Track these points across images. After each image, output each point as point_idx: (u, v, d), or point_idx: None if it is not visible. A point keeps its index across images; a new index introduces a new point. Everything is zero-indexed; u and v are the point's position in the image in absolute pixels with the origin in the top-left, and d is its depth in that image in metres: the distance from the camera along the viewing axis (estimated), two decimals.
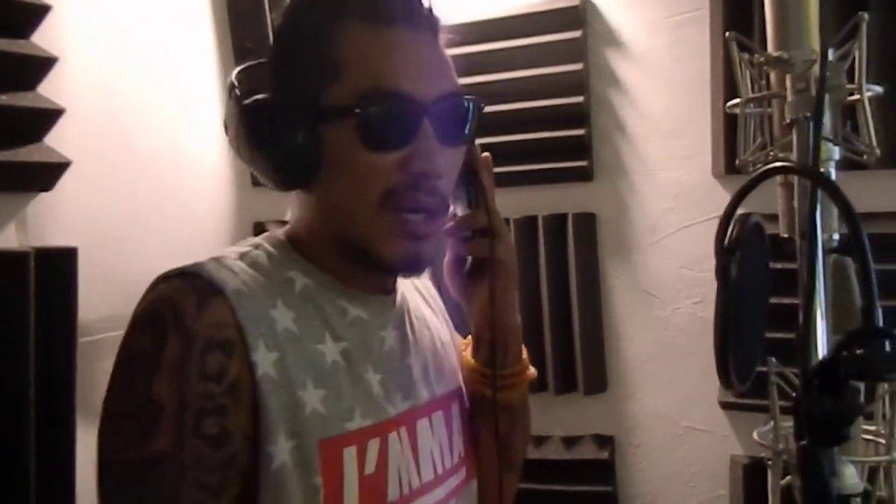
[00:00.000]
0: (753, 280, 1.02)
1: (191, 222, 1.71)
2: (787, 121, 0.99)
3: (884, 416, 1.15)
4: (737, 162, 1.13)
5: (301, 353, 0.78)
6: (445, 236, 0.90)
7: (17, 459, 1.23)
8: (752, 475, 1.86)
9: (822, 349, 1.00)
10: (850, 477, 0.94)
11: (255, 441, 0.75)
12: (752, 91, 1.11)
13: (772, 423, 1.11)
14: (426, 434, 0.88)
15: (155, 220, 1.59)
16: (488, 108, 2.24)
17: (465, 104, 0.83)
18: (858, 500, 1.08)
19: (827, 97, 0.98)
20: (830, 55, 1.03)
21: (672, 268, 2.03)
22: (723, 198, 1.92)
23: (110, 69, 1.51)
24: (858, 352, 0.68)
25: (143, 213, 1.57)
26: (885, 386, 1.08)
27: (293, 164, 0.79)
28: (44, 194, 1.34)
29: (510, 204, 2.14)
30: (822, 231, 1.04)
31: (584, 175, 2.09)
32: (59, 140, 1.33)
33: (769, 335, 1.09)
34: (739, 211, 0.87)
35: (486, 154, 0.91)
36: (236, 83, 0.82)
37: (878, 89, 1.05)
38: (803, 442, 0.77)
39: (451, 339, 1.00)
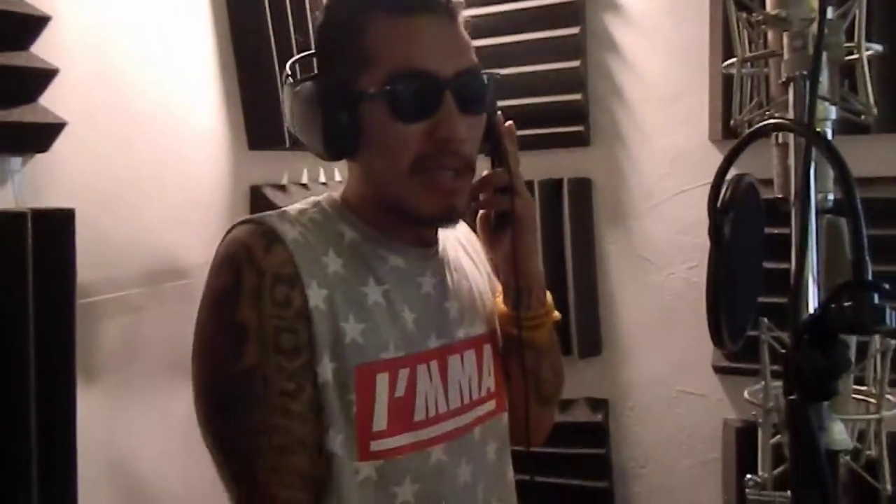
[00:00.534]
0: (747, 241, 1.02)
1: (187, 185, 1.69)
2: (783, 79, 0.99)
3: (874, 377, 1.16)
4: (731, 122, 1.12)
5: (346, 293, 0.92)
6: (474, 194, 0.99)
7: (18, 418, 1.23)
8: (744, 438, 1.88)
9: (812, 307, 1.00)
10: (839, 433, 0.95)
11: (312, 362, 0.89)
12: (750, 51, 1.10)
13: (763, 382, 1.12)
14: (457, 368, 0.99)
15: (152, 183, 1.58)
16: (486, 72, 2.23)
17: (482, 78, 0.93)
18: (848, 457, 1.09)
19: (825, 56, 0.97)
20: (830, 13, 1.02)
21: (668, 233, 2.04)
22: (719, 163, 1.92)
23: (105, 29, 1.49)
24: (846, 304, 0.68)
25: (140, 175, 1.56)
26: (877, 346, 1.09)
27: (337, 139, 0.92)
28: (39, 155, 1.33)
29: None
30: (817, 192, 1.05)
31: (581, 140, 2.09)
32: (53, 101, 1.31)
33: (763, 300, 1.10)
34: (735, 172, 0.87)
35: (509, 122, 0.99)
36: (289, 72, 0.96)
37: (878, 48, 1.04)
38: (792, 397, 0.78)
39: (489, 288, 1.10)
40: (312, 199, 1.01)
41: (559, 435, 2.10)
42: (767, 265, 1.10)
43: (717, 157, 1.98)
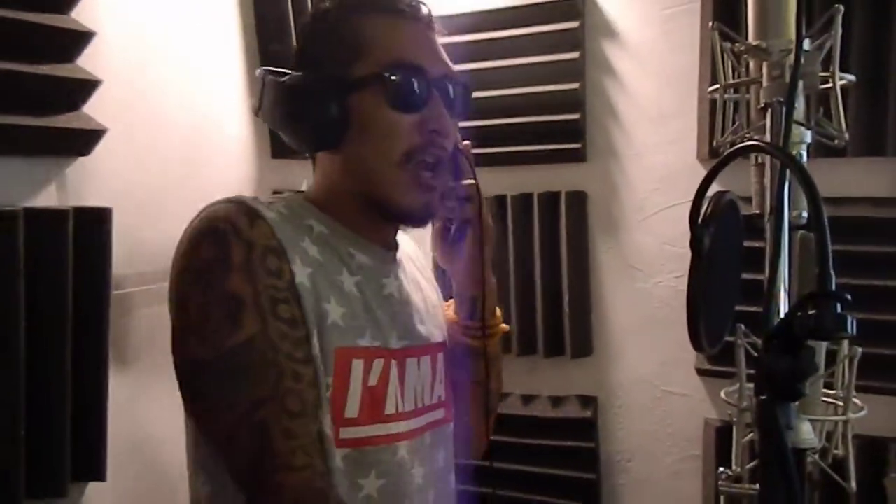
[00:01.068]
0: (726, 253, 1.03)
1: (215, 190, 1.69)
2: (761, 105, 1.00)
3: (842, 382, 1.16)
4: (714, 143, 1.13)
5: (326, 277, 0.86)
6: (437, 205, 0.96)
7: (55, 396, 1.25)
8: (724, 437, 1.88)
9: (783, 315, 1.01)
10: (807, 433, 0.95)
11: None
12: (733, 78, 1.11)
13: (738, 383, 1.12)
14: (413, 372, 0.94)
15: (182, 187, 1.59)
16: (492, 93, 2.26)
17: (461, 85, 0.92)
18: (816, 456, 1.10)
19: (801, 84, 0.98)
20: (807, 45, 1.03)
21: (656, 244, 2.04)
22: (697, 177, 1.92)
23: (143, 45, 1.51)
24: (811, 312, 0.69)
25: (172, 179, 1.58)
26: (845, 352, 1.09)
27: (327, 128, 0.87)
28: (82, 158, 1.34)
29: (508, 182, 2.16)
30: (791, 209, 1.05)
31: (578, 156, 2.09)
32: (96, 109, 1.33)
33: (741, 308, 1.10)
34: (718, 189, 0.88)
35: (466, 142, 0.97)
36: (267, 72, 0.91)
37: (851, 78, 1.04)
38: (763, 397, 0.79)
39: (438, 302, 1.07)
40: (277, 196, 0.95)
41: (552, 429, 2.13)
42: (745, 276, 1.10)
43: (703, 175, 1.99)
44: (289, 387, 0.78)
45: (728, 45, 1.12)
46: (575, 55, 2.05)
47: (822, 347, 1.06)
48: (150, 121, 1.52)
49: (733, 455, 1.09)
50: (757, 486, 1.01)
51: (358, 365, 0.85)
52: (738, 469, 1.06)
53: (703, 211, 0.93)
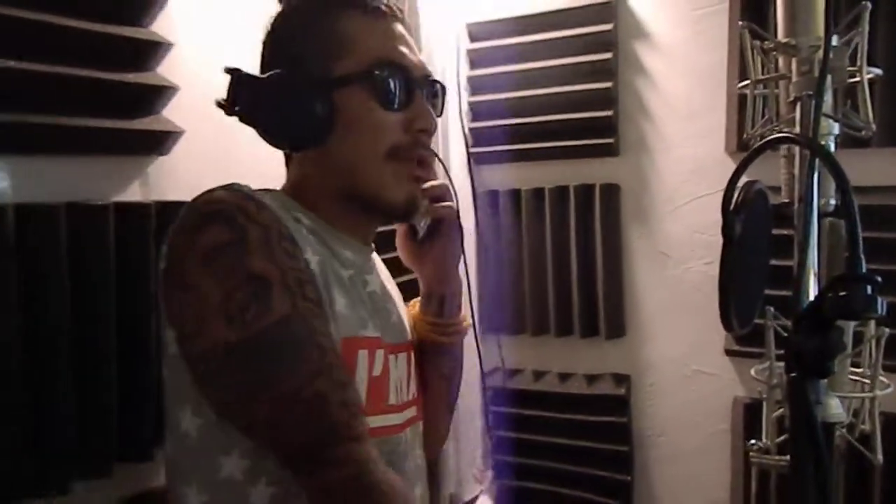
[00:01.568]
0: (756, 240, 1.02)
1: (276, 184, 1.74)
2: (791, 99, 0.98)
3: (870, 361, 1.14)
4: (745, 136, 1.11)
5: (329, 266, 0.79)
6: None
7: (142, 376, 1.27)
8: (752, 413, 1.85)
9: (812, 297, 0.99)
10: (835, 408, 0.94)
11: None
12: (762, 74, 1.09)
13: (768, 362, 1.11)
14: (394, 368, 0.86)
15: (256, 182, 1.62)
16: (531, 92, 2.24)
17: (438, 84, 0.87)
18: (844, 430, 1.08)
19: (829, 78, 0.96)
20: (835, 41, 1.01)
21: (686, 233, 2.01)
22: (728, 171, 1.90)
23: (216, 55, 1.51)
24: (841, 294, 0.68)
25: (240, 175, 1.57)
26: (872, 331, 1.07)
27: (311, 125, 0.80)
28: (162, 157, 1.36)
29: (546, 175, 2.15)
30: (819, 197, 1.03)
31: (611, 151, 2.07)
32: (174, 113, 1.35)
33: (771, 292, 1.09)
34: (747, 179, 0.87)
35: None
36: (240, 69, 0.84)
37: (878, 71, 1.02)
38: (793, 374, 0.78)
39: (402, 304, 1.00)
40: (256, 188, 0.84)
41: (587, 406, 2.13)
42: (774, 262, 1.09)
43: (731, 167, 1.92)
44: (332, 361, 0.72)
45: (757, 42, 1.10)
46: (608, 56, 2.02)
47: (849, 328, 1.04)
48: (221, 123, 1.50)
49: (763, 429, 1.07)
50: (786, 457, 1.00)
51: (363, 355, 0.79)
52: (768, 442, 1.05)
53: (734, 199, 0.93)
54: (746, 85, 1.11)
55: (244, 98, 0.83)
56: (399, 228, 0.96)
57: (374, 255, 0.95)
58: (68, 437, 1.15)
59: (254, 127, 0.85)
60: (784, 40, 1.01)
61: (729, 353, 1.96)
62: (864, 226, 0.70)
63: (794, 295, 0.92)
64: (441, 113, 0.88)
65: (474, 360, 1.02)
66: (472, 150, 2.17)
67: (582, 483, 2.13)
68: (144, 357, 1.28)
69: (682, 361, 2.05)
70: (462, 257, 0.93)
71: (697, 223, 1.98)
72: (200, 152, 1.44)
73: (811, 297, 1.02)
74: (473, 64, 2.20)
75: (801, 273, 0.91)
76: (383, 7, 0.84)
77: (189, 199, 1.34)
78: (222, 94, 1.52)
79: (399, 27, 0.85)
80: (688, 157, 1.98)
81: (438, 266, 0.93)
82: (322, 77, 0.80)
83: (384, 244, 1.02)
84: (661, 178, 2.05)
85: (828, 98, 1.01)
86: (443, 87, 0.88)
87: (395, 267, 1.06)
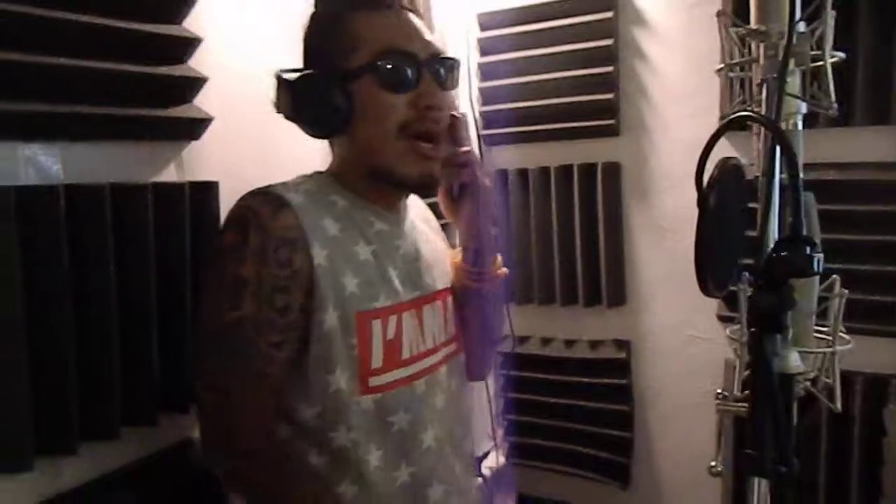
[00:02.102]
0: (731, 211, 1.05)
1: (300, 165, 1.73)
2: (758, 81, 1.01)
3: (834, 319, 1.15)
4: (721, 116, 1.14)
5: (343, 253, 0.88)
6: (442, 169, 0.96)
7: (176, 344, 1.31)
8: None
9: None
10: (794, 360, 0.98)
11: (310, 312, 0.85)
12: (738, 58, 1.11)
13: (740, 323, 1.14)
14: (430, 316, 0.97)
15: (271, 163, 1.61)
16: (537, 77, 2.25)
17: (449, 61, 0.92)
18: (809, 383, 1.11)
19: (793, 61, 0.99)
20: (803, 27, 1.03)
21: (682, 207, 2.03)
22: (726, 150, 1.90)
23: (242, 47, 1.54)
24: (783, 254, 0.72)
25: (266, 158, 1.60)
26: (837, 290, 1.09)
27: (334, 115, 0.88)
28: (194, 142, 1.40)
29: (551, 155, 2.18)
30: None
31: (612, 131, 2.09)
32: (203, 101, 1.38)
33: (748, 261, 1.11)
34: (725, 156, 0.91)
35: (461, 113, 0.97)
36: (281, 74, 0.93)
37: (841, 55, 1.04)
38: (752, 330, 0.83)
39: (446, 250, 1.09)
40: (304, 175, 0.97)
41: (591, 369, 2.18)
42: (751, 233, 1.12)
43: (724, 145, 1.96)
44: (259, 369, 0.85)
45: (734, 29, 1.12)
46: (609, 42, 2.04)
47: (814, 289, 1.07)
48: (248, 110, 1.52)
49: (735, 382, 1.12)
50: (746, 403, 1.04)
51: (377, 324, 0.88)
52: (737, 393, 1.09)
53: (710, 175, 0.96)
54: (722, 68, 1.14)
55: (283, 98, 0.92)
56: (440, 189, 1.02)
57: (415, 214, 1.04)
58: (115, 390, 1.22)
59: (293, 122, 0.94)
60: (755, 27, 1.03)
61: (721, 318, 1.99)
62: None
63: (757, 261, 0.95)
64: (456, 85, 0.94)
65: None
66: (483, 132, 2.21)
67: (586, 440, 2.19)
68: (181, 320, 1.33)
69: (679, 327, 2.09)
70: (493, 215, 1.02)
71: (692, 198, 1.97)
72: (228, 137, 1.48)
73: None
74: (483, 51, 2.23)
75: (763, 240, 0.95)
76: (390, 2, 0.90)
77: (218, 179, 1.40)
78: (246, 83, 1.58)
79: (406, 16, 0.90)
80: (684, 136, 1.99)
81: (470, 223, 0.99)
82: (341, 72, 0.88)
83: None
84: (659, 156, 2.07)
85: (797, 80, 1.04)
86: (455, 62, 0.93)
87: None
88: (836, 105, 1.01)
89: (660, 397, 2.16)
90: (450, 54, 0.94)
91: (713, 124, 1.93)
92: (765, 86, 0.99)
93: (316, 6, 0.96)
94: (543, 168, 2.18)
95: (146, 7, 1.26)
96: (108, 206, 1.18)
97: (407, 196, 1.00)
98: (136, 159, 1.29)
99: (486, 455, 2.21)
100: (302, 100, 0.89)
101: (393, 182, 0.91)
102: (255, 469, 0.87)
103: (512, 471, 2.21)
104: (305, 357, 0.87)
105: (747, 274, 1.22)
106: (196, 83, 1.36)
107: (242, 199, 0.88)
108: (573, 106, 2.10)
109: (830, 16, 1.00)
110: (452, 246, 1.12)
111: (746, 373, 1.13)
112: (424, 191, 0.96)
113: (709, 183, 1.00)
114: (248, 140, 1.55)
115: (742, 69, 1.14)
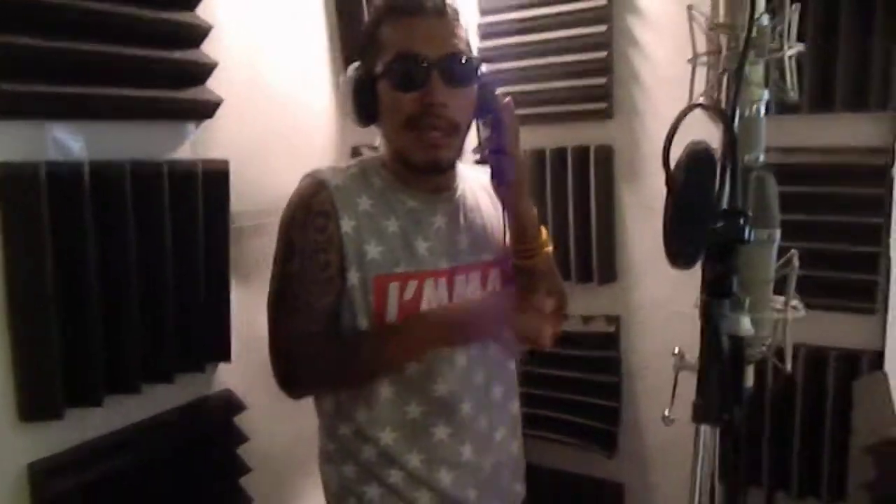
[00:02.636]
0: (699, 191, 1.12)
1: (308, 145, 1.80)
2: (720, 71, 1.09)
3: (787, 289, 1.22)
4: (689, 103, 1.22)
5: (371, 225, 1.03)
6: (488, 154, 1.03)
7: (193, 302, 1.42)
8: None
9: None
10: (745, 324, 1.07)
11: (343, 271, 1.01)
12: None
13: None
14: (462, 285, 1.08)
15: (284, 143, 1.69)
16: (533, 62, 2.32)
17: (465, 60, 1.00)
18: (764, 347, 1.19)
19: (754, 52, 1.07)
20: (766, 21, 1.10)
21: None
22: (714, 134, 1.97)
23: (251, 34, 1.60)
24: (720, 225, 0.81)
25: (275, 137, 1.67)
26: (795, 262, 1.16)
27: (365, 109, 1.03)
28: (206, 122, 1.46)
29: (546, 137, 2.22)
30: (751, 154, 1.14)
31: (605, 115, 2.14)
32: (215, 84, 1.45)
33: None
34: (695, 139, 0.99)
35: (508, 98, 1.04)
36: (346, 71, 1.05)
37: (800, 47, 1.11)
38: (704, 295, 0.92)
39: (500, 225, 1.11)
40: (359, 158, 1.11)
41: (583, 342, 2.25)
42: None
43: (711, 129, 2.02)
44: (300, 307, 1.02)
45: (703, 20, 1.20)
46: (603, 28, 2.09)
47: (770, 260, 1.15)
48: (258, 93, 1.62)
49: (699, 348, 1.20)
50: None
51: (394, 287, 1.02)
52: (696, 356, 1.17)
53: (679, 158, 1.04)
54: (691, 59, 1.21)
55: (342, 94, 1.05)
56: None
57: (470, 189, 1.12)
58: (136, 350, 1.34)
59: (349, 112, 1.06)
60: (721, 21, 1.11)
61: None
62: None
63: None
64: (471, 81, 1.01)
65: None
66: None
67: (577, 409, 2.28)
68: (195, 285, 1.43)
69: (666, 303, 2.14)
70: (530, 196, 1.08)
71: None
72: (239, 118, 1.55)
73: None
74: (483, 36, 2.30)
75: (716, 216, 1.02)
76: (414, 7, 0.99)
77: (227, 157, 1.47)
78: (254, 68, 1.66)
79: (427, 21, 0.99)
80: (673, 119, 2.04)
81: (508, 206, 1.07)
82: (371, 74, 1.02)
83: None
84: (650, 139, 2.12)
85: (760, 70, 1.12)
86: (468, 60, 1.00)
87: None
88: (795, 93, 1.09)
89: (647, 370, 2.23)
90: (471, 53, 1.03)
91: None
92: (726, 75, 1.07)
93: (368, 14, 1.11)
94: (538, 150, 2.23)
95: None
96: (128, 181, 1.28)
97: (432, 178, 1.07)
98: (153, 138, 1.37)
99: None
100: (349, 95, 1.04)
101: (409, 166, 1.03)
102: (312, 357, 1.04)
103: None
104: (340, 308, 1.04)
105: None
106: (207, 67, 1.43)
107: (302, 179, 1.06)
108: (568, 90, 2.16)
109: (791, 10, 1.08)
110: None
111: None
112: (432, 173, 1.05)
113: (677, 164, 1.08)
114: (256, 121, 1.63)
115: (710, 59, 1.22)
